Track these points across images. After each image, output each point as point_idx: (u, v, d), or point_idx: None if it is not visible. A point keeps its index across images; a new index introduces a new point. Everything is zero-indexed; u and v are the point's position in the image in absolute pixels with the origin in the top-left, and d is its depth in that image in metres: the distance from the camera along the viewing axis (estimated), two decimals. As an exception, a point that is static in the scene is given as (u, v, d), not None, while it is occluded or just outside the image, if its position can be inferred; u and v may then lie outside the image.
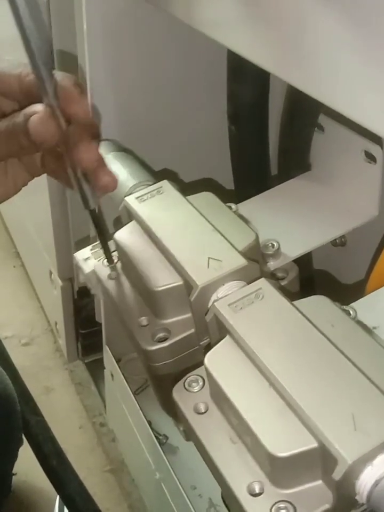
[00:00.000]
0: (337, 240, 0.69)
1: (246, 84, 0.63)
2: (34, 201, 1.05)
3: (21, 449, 0.82)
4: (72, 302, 1.07)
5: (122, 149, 0.63)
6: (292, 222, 0.60)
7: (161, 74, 0.67)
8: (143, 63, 0.66)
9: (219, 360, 0.39)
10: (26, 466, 0.86)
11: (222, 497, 0.56)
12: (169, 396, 0.50)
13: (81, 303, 1.07)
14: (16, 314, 1.37)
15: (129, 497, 1.00)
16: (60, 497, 0.79)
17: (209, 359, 0.39)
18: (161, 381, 0.50)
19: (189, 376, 0.41)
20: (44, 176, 0.87)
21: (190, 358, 0.47)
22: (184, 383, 0.41)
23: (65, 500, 0.75)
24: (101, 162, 0.44)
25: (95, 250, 0.56)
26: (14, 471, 0.93)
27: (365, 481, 0.33)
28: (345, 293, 0.74)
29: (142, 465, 0.94)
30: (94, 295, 0.88)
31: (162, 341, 0.46)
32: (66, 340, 1.14)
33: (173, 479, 0.80)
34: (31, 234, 1.19)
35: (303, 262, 0.58)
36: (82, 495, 0.74)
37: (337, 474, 0.32)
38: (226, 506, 0.54)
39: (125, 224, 0.52)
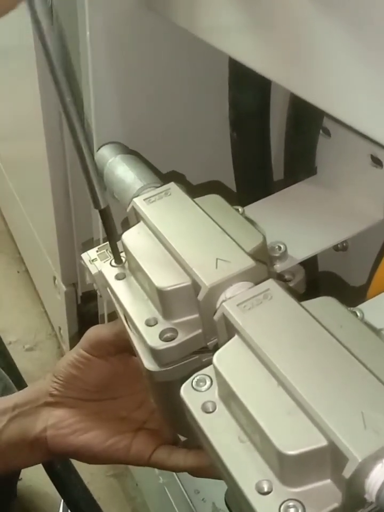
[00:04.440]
0: (338, 245, 0.69)
1: (247, 91, 0.63)
2: (38, 207, 1.05)
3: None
4: (76, 307, 1.08)
5: (129, 152, 0.64)
6: (298, 225, 0.60)
7: (165, 79, 0.68)
8: (147, 68, 0.66)
9: (228, 359, 0.39)
10: (31, 471, 0.86)
11: (226, 502, 0.55)
12: (171, 405, 0.49)
13: (84, 308, 1.07)
14: (20, 320, 1.37)
15: (132, 502, 1.00)
16: (64, 501, 0.79)
17: (218, 358, 0.39)
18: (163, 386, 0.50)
19: (197, 376, 0.41)
20: (47, 180, 0.88)
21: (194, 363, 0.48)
22: (192, 382, 0.41)
23: (70, 505, 0.75)
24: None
25: (102, 251, 0.56)
26: (19, 476, 0.93)
27: (375, 479, 0.32)
28: (349, 295, 0.74)
29: (146, 470, 0.93)
30: (99, 298, 0.88)
31: (169, 341, 0.46)
32: (70, 345, 1.14)
33: (176, 484, 0.80)
34: (35, 239, 1.19)
35: (309, 264, 0.58)
36: (87, 500, 0.75)
37: (347, 473, 0.32)
38: (230, 510, 0.54)
39: (133, 226, 0.52)
